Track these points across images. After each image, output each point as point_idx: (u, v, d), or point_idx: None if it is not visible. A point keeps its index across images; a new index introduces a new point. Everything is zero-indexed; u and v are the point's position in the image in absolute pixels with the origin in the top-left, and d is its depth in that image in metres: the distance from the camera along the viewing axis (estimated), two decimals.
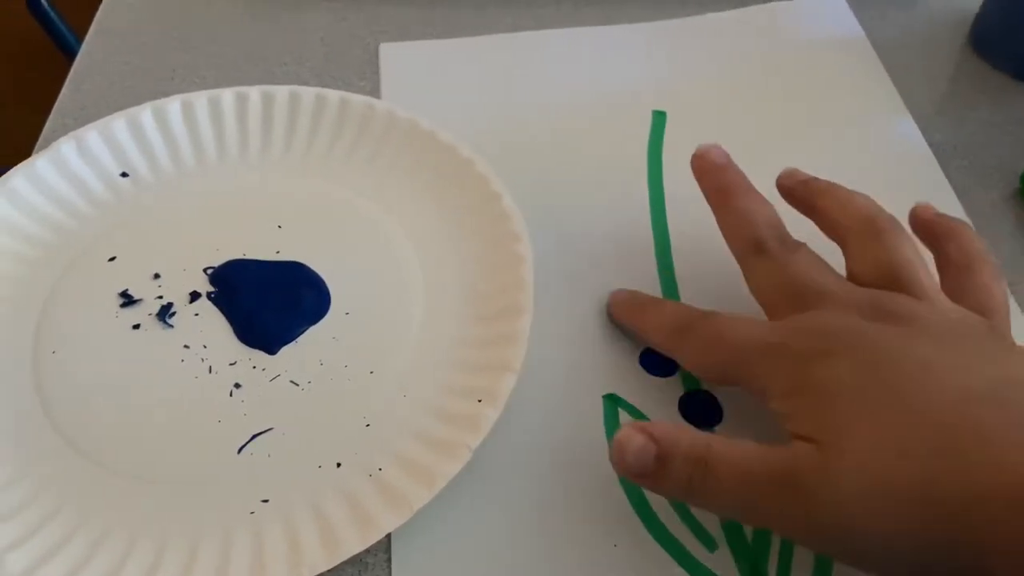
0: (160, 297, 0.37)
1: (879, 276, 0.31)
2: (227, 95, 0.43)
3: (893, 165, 0.40)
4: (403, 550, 0.31)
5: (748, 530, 0.31)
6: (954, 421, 0.25)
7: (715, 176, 0.35)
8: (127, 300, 0.37)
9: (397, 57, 0.47)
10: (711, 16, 0.49)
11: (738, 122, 0.40)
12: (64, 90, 0.46)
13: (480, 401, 0.33)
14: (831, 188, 0.34)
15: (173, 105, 0.42)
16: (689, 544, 0.31)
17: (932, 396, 0.26)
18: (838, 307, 0.29)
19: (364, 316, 0.37)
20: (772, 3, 0.50)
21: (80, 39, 0.88)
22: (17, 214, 0.39)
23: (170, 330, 0.36)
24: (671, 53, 0.47)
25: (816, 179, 0.35)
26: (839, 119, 0.44)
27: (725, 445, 0.28)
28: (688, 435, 0.28)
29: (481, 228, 0.39)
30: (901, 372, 0.27)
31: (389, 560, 0.31)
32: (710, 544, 0.31)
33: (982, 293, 0.31)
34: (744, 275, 0.33)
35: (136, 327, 0.36)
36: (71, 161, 0.41)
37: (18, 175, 0.39)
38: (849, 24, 0.48)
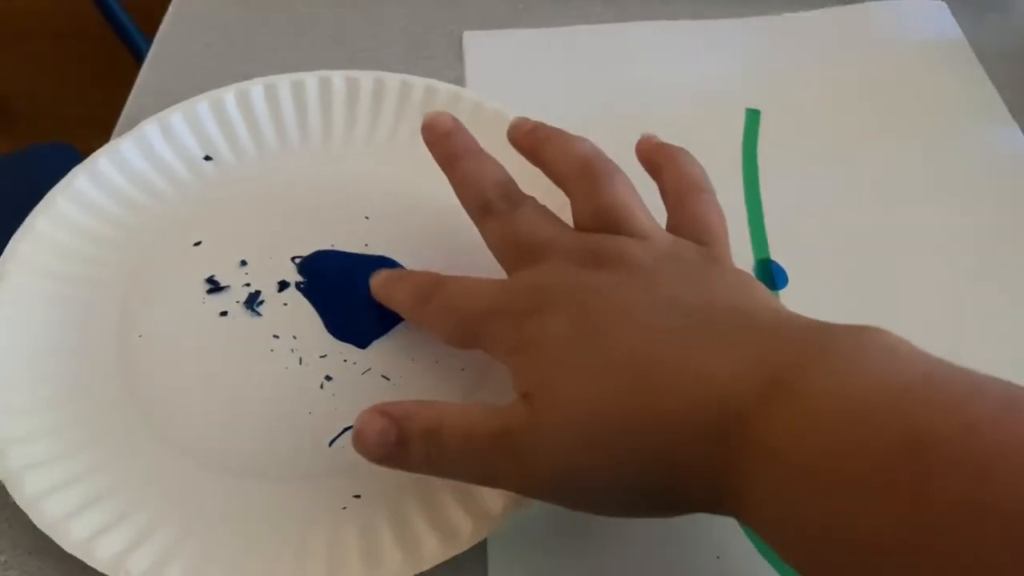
0: (248, 285, 0.37)
1: (598, 220, 0.31)
2: (311, 79, 0.42)
3: (998, 177, 0.39)
4: (499, 551, 0.31)
5: None
6: (645, 361, 0.26)
7: (443, 142, 0.35)
8: (214, 286, 0.37)
9: (481, 46, 0.46)
10: (806, 14, 0.48)
11: (835, 123, 0.39)
12: (144, 69, 0.45)
13: None
14: (553, 135, 0.34)
15: (256, 88, 0.42)
16: None
17: (630, 339, 0.26)
18: (557, 258, 0.30)
19: None
20: (869, 2, 0.48)
21: (137, 20, 0.88)
22: (103, 196, 0.39)
23: (258, 319, 0.36)
24: (765, 50, 0.46)
25: (543, 126, 0.35)
26: (940, 125, 0.43)
27: (456, 413, 0.29)
28: (424, 410, 0.29)
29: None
30: (605, 319, 0.27)
31: (485, 563, 0.30)
32: None
33: (697, 223, 0.31)
34: (483, 238, 0.33)
35: (223, 314, 0.36)
36: (155, 143, 0.40)
37: (103, 157, 0.39)
38: (948, 26, 0.47)
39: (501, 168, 0.34)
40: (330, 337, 0.35)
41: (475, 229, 0.38)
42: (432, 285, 0.33)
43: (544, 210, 0.33)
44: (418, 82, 0.42)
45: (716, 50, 0.46)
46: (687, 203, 0.32)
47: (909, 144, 0.39)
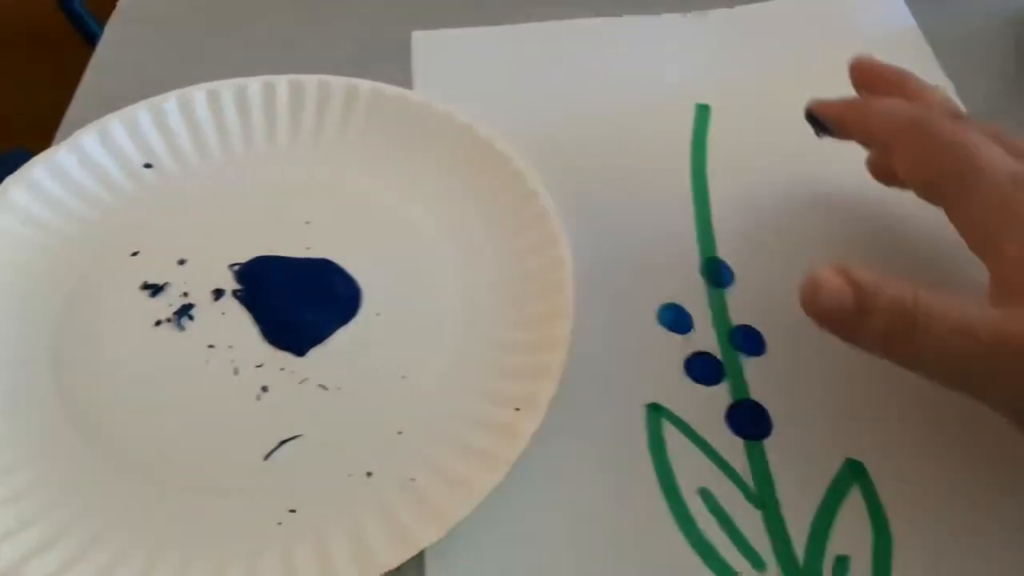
0: (186, 295, 0.36)
1: None
2: (254, 84, 0.41)
3: None
4: (437, 564, 0.30)
5: (800, 549, 0.30)
6: None
7: (875, 71, 0.34)
8: (154, 289, 0.36)
9: (430, 46, 0.45)
10: (756, 6, 0.47)
11: (786, 117, 0.38)
12: (86, 75, 0.45)
13: (518, 409, 0.32)
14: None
15: (199, 94, 0.41)
16: (737, 564, 0.30)
17: None
18: None
19: (396, 317, 0.36)
20: None
21: (98, 20, 0.87)
22: (38, 205, 0.38)
23: (194, 329, 0.35)
24: (715, 44, 0.45)
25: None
26: None
27: (938, 300, 0.26)
28: (893, 282, 0.26)
29: (519, 227, 0.37)
30: None
31: (423, 574, 0.30)
32: (759, 564, 0.30)
33: None
34: (902, 154, 0.30)
35: (158, 324, 0.35)
36: (93, 151, 0.39)
37: (39, 166, 0.38)
38: (901, 15, 0.46)
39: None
40: (267, 345, 0.35)
41: (419, 228, 0.37)
42: (935, 119, 0.29)
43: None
44: (364, 85, 0.41)
45: (668, 45, 0.45)
46: None
47: None
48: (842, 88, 0.43)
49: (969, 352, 0.25)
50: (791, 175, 0.37)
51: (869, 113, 0.32)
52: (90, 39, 0.81)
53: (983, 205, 0.27)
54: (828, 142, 0.35)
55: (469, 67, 0.45)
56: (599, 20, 0.47)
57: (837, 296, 0.26)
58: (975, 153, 0.27)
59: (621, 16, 0.47)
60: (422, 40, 0.46)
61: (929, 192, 0.29)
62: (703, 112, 0.42)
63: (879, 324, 0.26)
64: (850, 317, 0.27)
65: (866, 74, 0.33)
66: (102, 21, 0.49)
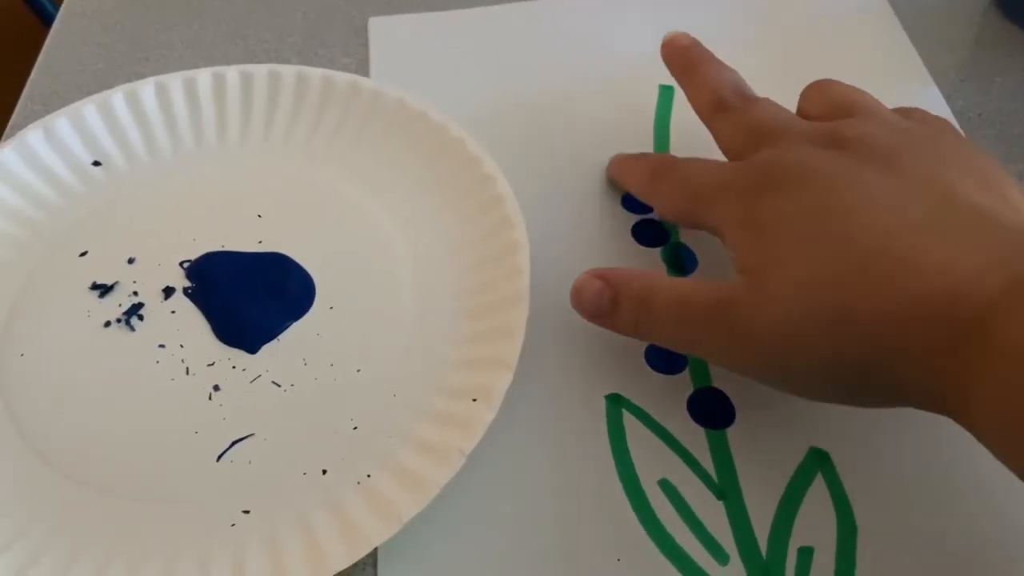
0: (135, 294, 0.35)
1: (833, 110, 0.32)
2: (203, 76, 0.40)
3: None
4: (390, 561, 0.29)
5: (763, 540, 0.29)
6: (882, 249, 0.26)
7: (681, 56, 0.36)
8: (103, 289, 0.35)
9: (387, 31, 0.44)
10: None
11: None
12: (33, 74, 0.44)
13: (475, 400, 0.31)
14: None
15: (146, 88, 0.40)
16: (698, 557, 0.29)
17: (869, 225, 0.26)
18: (793, 139, 0.30)
19: (350, 310, 0.35)
20: None
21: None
22: None
23: (144, 329, 0.34)
24: (679, 22, 0.44)
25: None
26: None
27: (668, 283, 0.30)
28: (638, 278, 0.31)
29: (474, 213, 0.36)
30: (843, 202, 0.27)
31: (375, 573, 0.29)
32: (721, 557, 0.29)
33: (928, 117, 0.31)
34: (713, 136, 0.34)
35: (107, 325, 0.34)
36: (39, 150, 0.38)
37: None
38: None
39: (736, 74, 0.35)
40: (218, 343, 0.34)
41: (372, 217, 0.36)
42: (668, 163, 0.34)
43: (780, 106, 0.33)
44: (314, 73, 0.40)
45: (630, 25, 0.44)
46: (911, 113, 0.32)
47: None
48: (805, 61, 0.42)
49: (687, 318, 0.29)
50: None
51: (625, 169, 0.37)
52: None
53: (720, 218, 0.30)
54: None
55: (427, 52, 0.43)
56: (558, 1, 0.46)
57: (597, 295, 0.31)
58: (699, 184, 0.31)
59: None
60: (379, 25, 0.45)
61: (683, 223, 0.34)
62: (666, 93, 0.41)
63: (628, 312, 0.30)
64: (608, 311, 0.31)
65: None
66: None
